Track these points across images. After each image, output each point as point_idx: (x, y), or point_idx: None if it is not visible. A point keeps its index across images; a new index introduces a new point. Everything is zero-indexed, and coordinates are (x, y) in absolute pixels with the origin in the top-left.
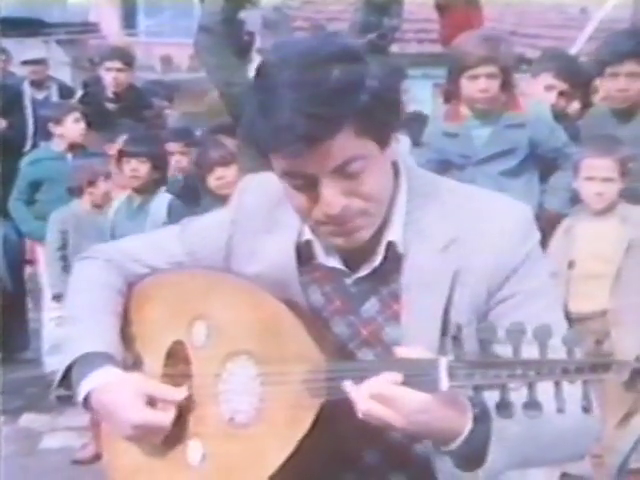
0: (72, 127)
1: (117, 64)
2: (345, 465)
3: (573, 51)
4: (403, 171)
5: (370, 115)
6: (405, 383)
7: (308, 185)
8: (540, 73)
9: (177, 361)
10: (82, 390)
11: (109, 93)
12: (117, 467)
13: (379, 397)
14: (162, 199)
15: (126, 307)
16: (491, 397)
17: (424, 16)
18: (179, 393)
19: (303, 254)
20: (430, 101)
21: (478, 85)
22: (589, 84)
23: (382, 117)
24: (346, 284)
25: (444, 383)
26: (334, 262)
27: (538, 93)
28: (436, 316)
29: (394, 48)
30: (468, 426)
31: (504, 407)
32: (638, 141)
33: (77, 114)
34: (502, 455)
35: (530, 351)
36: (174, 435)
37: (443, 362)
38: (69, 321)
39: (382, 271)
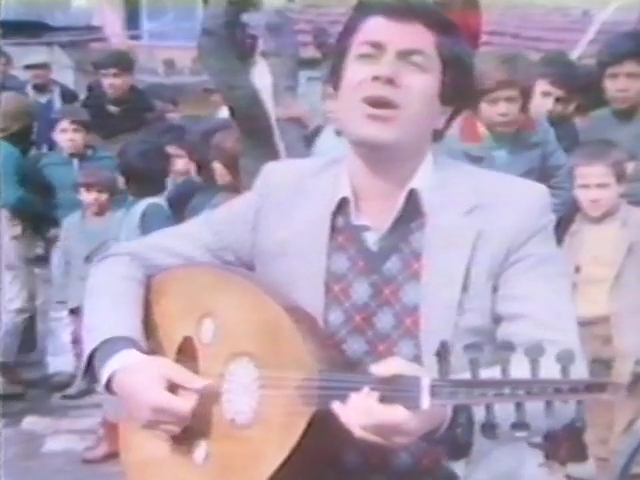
0: (67, 137)
1: (112, 70)
2: (345, 447)
3: (575, 54)
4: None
5: (452, 48)
6: (387, 399)
7: (375, 57)
8: (537, 79)
9: (187, 357)
10: (105, 372)
11: (109, 97)
12: (130, 462)
13: (375, 427)
14: (143, 203)
15: (145, 299)
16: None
17: None
18: (199, 382)
19: (333, 216)
20: None
21: (498, 109)
22: (587, 88)
23: (456, 67)
24: (368, 244)
25: (425, 402)
26: (362, 219)
27: (534, 99)
28: (457, 275)
29: None
30: (448, 415)
31: (489, 428)
32: (638, 141)
33: (75, 125)
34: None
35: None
36: (183, 432)
37: (426, 381)
38: (89, 314)
39: (403, 228)
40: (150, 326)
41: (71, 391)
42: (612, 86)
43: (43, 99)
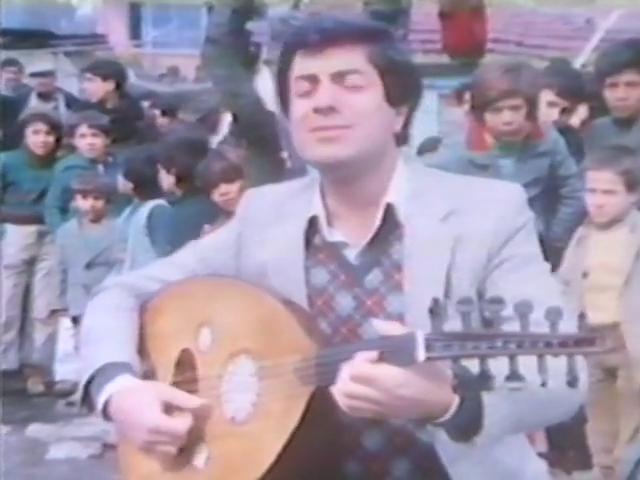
0: (86, 142)
1: (86, 75)
2: (346, 453)
3: (579, 61)
4: (401, 153)
5: (385, 56)
6: (384, 359)
7: (311, 89)
8: (542, 89)
9: (185, 368)
10: (101, 398)
11: (94, 103)
12: (132, 478)
13: (359, 379)
14: (149, 204)
15: (140, 324)
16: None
17: (430, 27)
18: (194, 401)
19: (309, 235)
20: (435, 111)
21: (502, 118)
22: (592, 98)
23: (395, 70)
24: (349, 259)
25: (421, 354)
26: (337, 236)
27: (540, 109)
28: (438, 282)
29: None
30: (457, 396)
31: (484, 379)
32: (639, 149)
33: (93, 130)
34: (497, 419)
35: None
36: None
37: (420, 335)
38: (85, 346)
39: (382, 242)
40: (148, 346)
41: (75, 398)
42: (612, 95)
43: (48, 106)
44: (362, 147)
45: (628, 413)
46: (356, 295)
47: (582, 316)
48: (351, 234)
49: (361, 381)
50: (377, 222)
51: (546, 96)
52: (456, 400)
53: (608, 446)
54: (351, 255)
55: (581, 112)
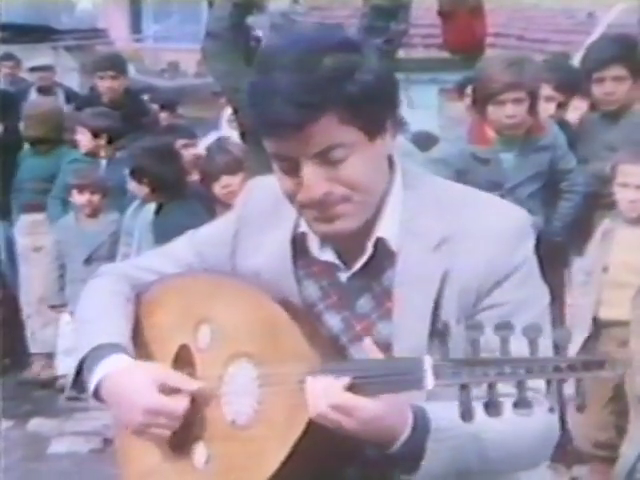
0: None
1: (110, 72)
2: (347, 460)
3: (580, 56)
4: (398, 167)
5: (357, 106)
6: (391, 382)
7: (293, 168)
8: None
9: (183, 365)
10: (94, 378)
11: (105, 100)
12: (129, 475)
13: (338, 407)
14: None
15: (136, 315)
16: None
17: (431, 21)
18: (192, 383)
19: (299, 247)
20: (436, 106)
21: (505, 111)
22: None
23: (370, 109)
24: (341, 279)
25: (429, 382)
26: (328, 256)
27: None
28: (425, 314)
29: (400, 53)
30: (406, 432)
31: (493, 406)
32: (626, 143)
33: (82, 128)
34: (438, 460)
35: (522, 349)
36: (181, 438)
37: (428, 360)
38: (79, 327)
39: (374, 268)
40: (145, 339)
41: (67, 381)
42: (599, 90)
43: (47, 101)
44: (366, 209)
45: (636, 411)
46: (345, 318)
47: (590, 338)
48: (343, 255)
49: (339, 410)
50: (368, 252)
51: (544, 90)
52: (404, 437)
53: (590, 435)
54: (343, 276)
55: (581, 107)
